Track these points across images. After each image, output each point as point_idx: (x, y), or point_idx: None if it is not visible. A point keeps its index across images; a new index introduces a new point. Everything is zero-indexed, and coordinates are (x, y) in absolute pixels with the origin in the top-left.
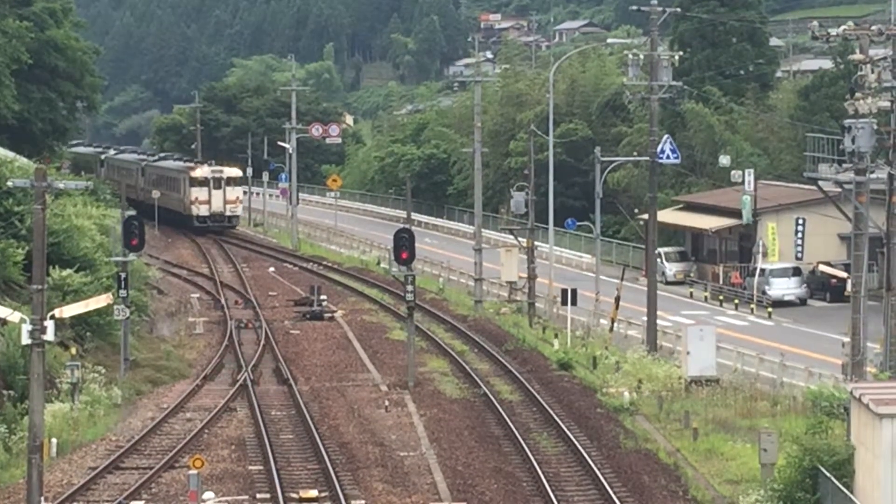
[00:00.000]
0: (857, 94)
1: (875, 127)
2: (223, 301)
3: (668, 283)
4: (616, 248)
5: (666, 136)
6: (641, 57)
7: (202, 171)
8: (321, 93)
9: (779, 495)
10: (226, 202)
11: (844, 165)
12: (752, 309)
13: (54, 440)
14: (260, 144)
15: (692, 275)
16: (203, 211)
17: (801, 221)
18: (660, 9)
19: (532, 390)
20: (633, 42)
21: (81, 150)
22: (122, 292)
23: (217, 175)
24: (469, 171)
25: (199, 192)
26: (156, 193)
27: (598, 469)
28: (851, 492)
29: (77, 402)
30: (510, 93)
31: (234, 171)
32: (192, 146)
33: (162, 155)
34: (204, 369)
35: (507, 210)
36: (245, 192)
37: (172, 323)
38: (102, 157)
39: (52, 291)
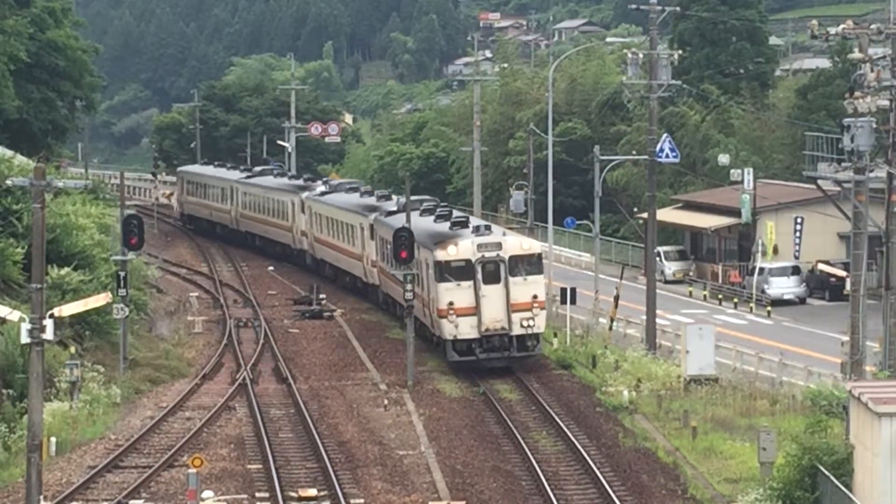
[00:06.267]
0: (857, 93)
1: (874, 126)
2: (222, 300)
3: (667, 281)
4: (615, 246)
5: (665, 134)
6: (641, 56)
7: (459, 248)
8: (320, 92)
9: (778, 494)
10: (511, 308)
11: (844, 164)
12: (751, 308)
13: (53, 439)
14: (259, 143)
15: (691, 274)
16: (465, 330)
17: (800, 220)
18: (659, 7)
19: (531, 389)
20: (632, 41)
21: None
22: (122, 291)
23: (490, 255)
24: (468, 170)
25: (454, 293)
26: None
27: (598, 468)
28: (850, 490)
29: (76, 401)
30: (509, 92)
31: (524, 243)
32: (192, 145)
33: (425, 201)
34: (203, 368)
35: (506, 209)
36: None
37: (172, 322)
38: (303, 195)
39: (51, 290)
